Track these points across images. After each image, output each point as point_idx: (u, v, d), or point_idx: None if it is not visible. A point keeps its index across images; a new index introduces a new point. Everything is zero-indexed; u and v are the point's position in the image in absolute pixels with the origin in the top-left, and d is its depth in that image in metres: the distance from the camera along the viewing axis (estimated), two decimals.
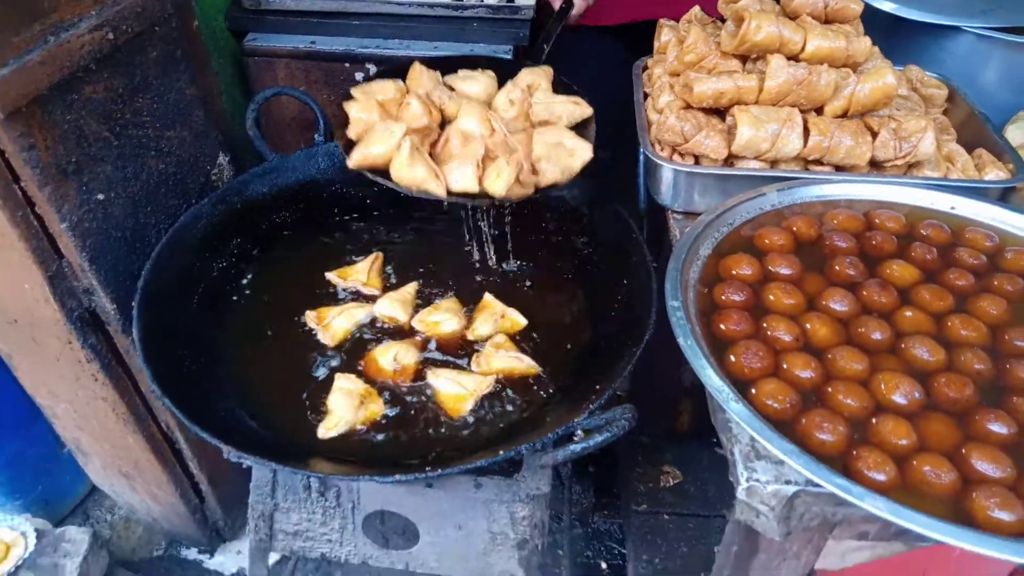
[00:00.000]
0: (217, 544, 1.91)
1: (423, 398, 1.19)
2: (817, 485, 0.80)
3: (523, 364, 1.21)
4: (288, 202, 1.55)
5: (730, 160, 1.27)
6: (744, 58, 1.31)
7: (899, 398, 0.89)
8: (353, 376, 1.19)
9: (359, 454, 1.14)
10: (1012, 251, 1.10)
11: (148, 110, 1.42)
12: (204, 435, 1.07)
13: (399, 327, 1.30)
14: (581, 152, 1.27)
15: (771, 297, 1.03)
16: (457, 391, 1.15)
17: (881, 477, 0.81)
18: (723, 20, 1.36)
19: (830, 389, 0.91)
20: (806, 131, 1.23)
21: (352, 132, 1.30)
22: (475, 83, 1.38)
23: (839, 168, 1.26)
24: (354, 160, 1.25)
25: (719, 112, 1.31)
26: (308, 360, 1.25)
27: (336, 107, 1.78)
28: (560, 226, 1.54)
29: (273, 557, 1.85)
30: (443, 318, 1.27)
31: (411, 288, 1.36)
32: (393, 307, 1.29)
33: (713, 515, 1.68)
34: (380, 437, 1.16)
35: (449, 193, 1.19)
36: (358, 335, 1.28)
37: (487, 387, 1.18)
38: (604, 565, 1.81)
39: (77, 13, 1.22)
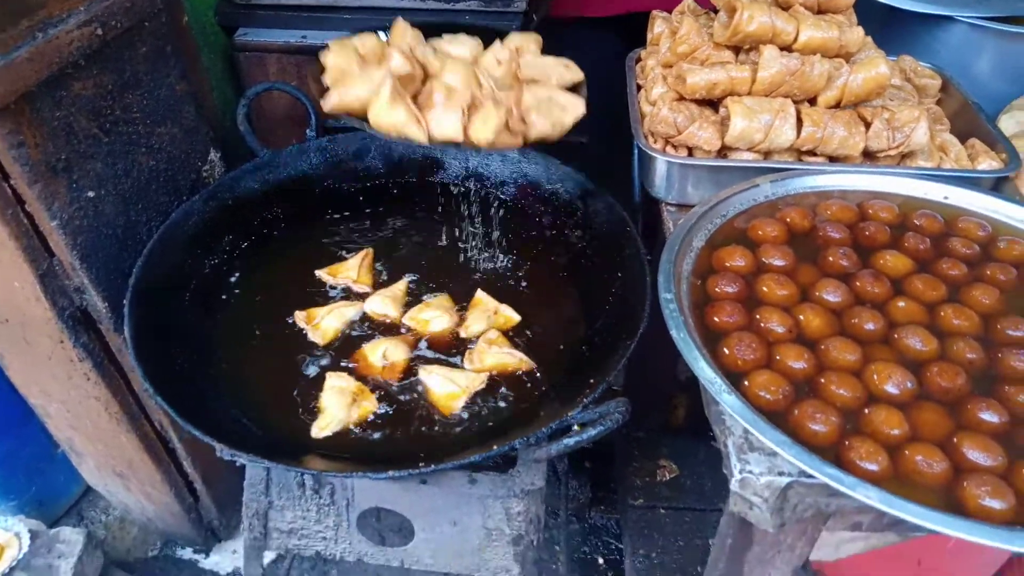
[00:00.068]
0: (212, 544, 1.90)
1: (415, 395, 1.18)
2: (810, 476, 0.80)
3: (516, 360, 1.20)
4: (280, 198, 1.54)
5: (723, 152, 1.27)
6: (737, 49, 1.30)
7: (892, 388, 0.89)
8: (345, 375, 1.19)
9: (353, 452, 1.13)
10: (1005, 240, 1.10)
11: (138, 106, 1.41)
12: (196, 433, 1.06)
13: (390, 324, 1.29)
14: (573, 108, 1.20)
15: (764, 288, 1.03)
16: (449, 389, 1.14)
17: (873, 467, 0.81)
18: (716, 11, 1.36)
19: (823, 380, 0.90)
20: (799, 122, 1.22)
21: (328, 79, 1.22)
22: (460, 45, 1.33)
23: (833, 159, 1.25)
24: (330, 103, 1.17)
25: (712, 104, 1.30)
26: (299, 359, 1.24)
27: None
28: (554, 220, 1.53)
29: (269, 556, 1.86)
30: (434, 315, 1.26)
31: (402, 285, 1.35)
32: (384, 304, 1.28)
33: (709, 509, 1.68)
34: (374, 435, 1.15)
35: (432, 141, 1.12)
36: (348, 333, 1.27)
37: (480, 384, 1.17)
38: (601, 560, 1.80)
39: (65, 9, 1.21)
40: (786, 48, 1.24)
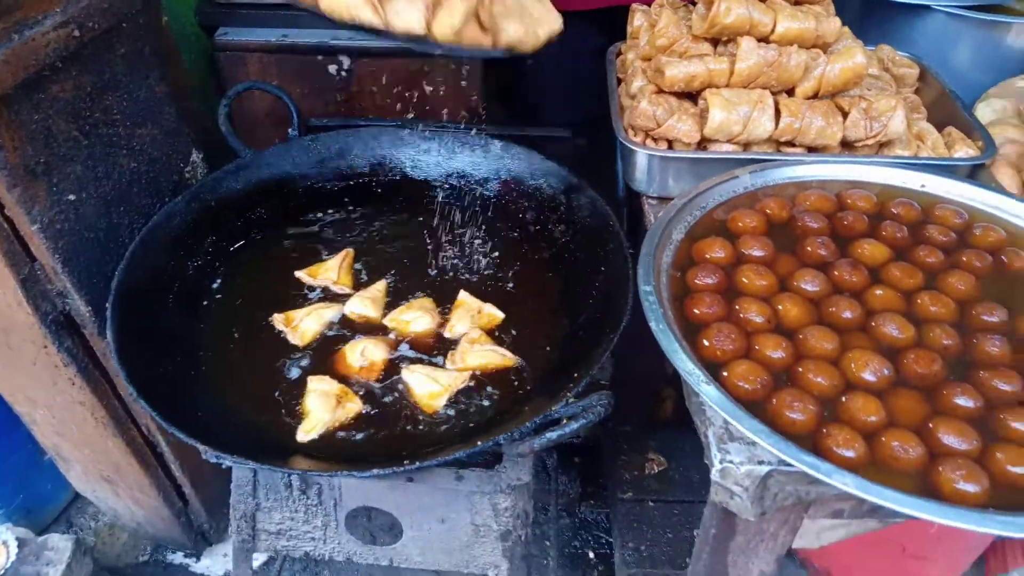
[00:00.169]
0: (203, 547, 1.90)
1: (398, 395, 1.18)
2: (789, 464, 0.80)
3: (500, 357, 1.20)
4: (262, 198, 1.54)
5: (703, 144, 1.27)
6: (716, 41, 1.31)
7: (868, 375, 0.89)
8: (327, 377, 1.18)
9: (339, 453, 1.13)
10: (980, 227, 1.11)
11: (118, 108, 1.40)
12: (180, 435, 1.06)
13: (371, 325, 1.28)
14: (548, 22, 1.15)
15: (743, 279, 1.03)
16: (431, 388, 1.14)
17: (850, 454, 0.82)
18: (695, 3, 1.36)
19: (801, 369, 0.91)
20: (777, 113, 1.23)
21: None
22: None
23: (811, 149, 1.26)
24: None
25: (692, 96, 1.31)
26: (280, 361, 1.24)
27: (310, 101, 1.78)
28: (538, 215, 1.53)
29: (261, 558, 1.85)
30: (415, 316, 1.26)
31: (380, 286, 1.34)
32: (363, 305, 1.28)
33: (697, 500, 1.69)
34: (360, 436, 1.15)
35: (390, 34, 1.04)
36: (328, 335, 1.27)
37: (462, 382, 1.17)
38: (591, 554, 1.81)
39: (42, 10, 1.20)
40: (764, 39, 1.24)
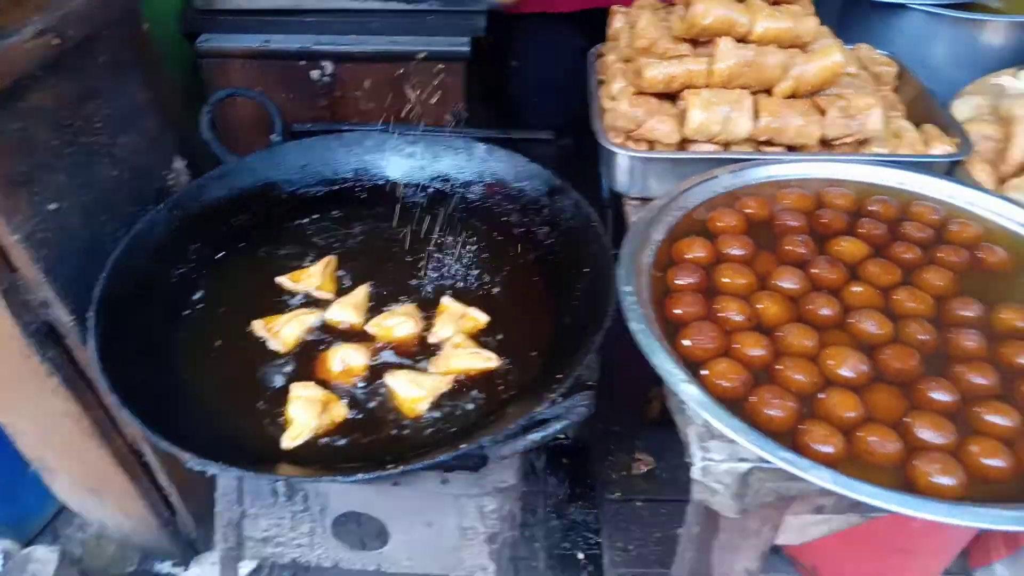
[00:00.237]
0: (191, 557, 1.89)
1: (382, 400, 1.18)
2: (768, 461, 0.81)
3: (483, 360, 1.20)
4: (246, 204, 1.53)
5: (684, 144, 1.28)
6: (695, 42, 1.31)
7: (846, 372, 0.90)
8: (311, 384, 1.18)
9: (324, 458, 1.13)
10: (957, 223, 1.12)
11: (99, 116, 1.39)
12: (163, 444, 1.05)
13: (352, 331, 1.28)
14: None
15: (723, 279, 1.04)
16: (413, 392, 1.14)
17: (829, 449, 0.82)
18: (674, 4, 1.37)
19: (780, 366, 0.92)
20: (757, 112, 1.24)
21: None
22: None
23: (791, 148, 1.27)
24: None
25: (672, 97, 1.32)
26: (262, 368, 1.24)
27: (293, 106, 1.78)
28: (522, 218, 1.53)
29: (249, 566, 1.84)
30: (398, 321, 1.25)
31: (362, 291, 1.34)
32: (345, 311, 1.28)
33: (686, 500, 1.68)
34: (345, 441, 1.15)
35: None
36: (310, 340, 1.27)
37: (446, 386, 1.17)
38: (581, 555, 1.81)
39: (20, 19, 1.20)
40: (742, 39, 1.25)
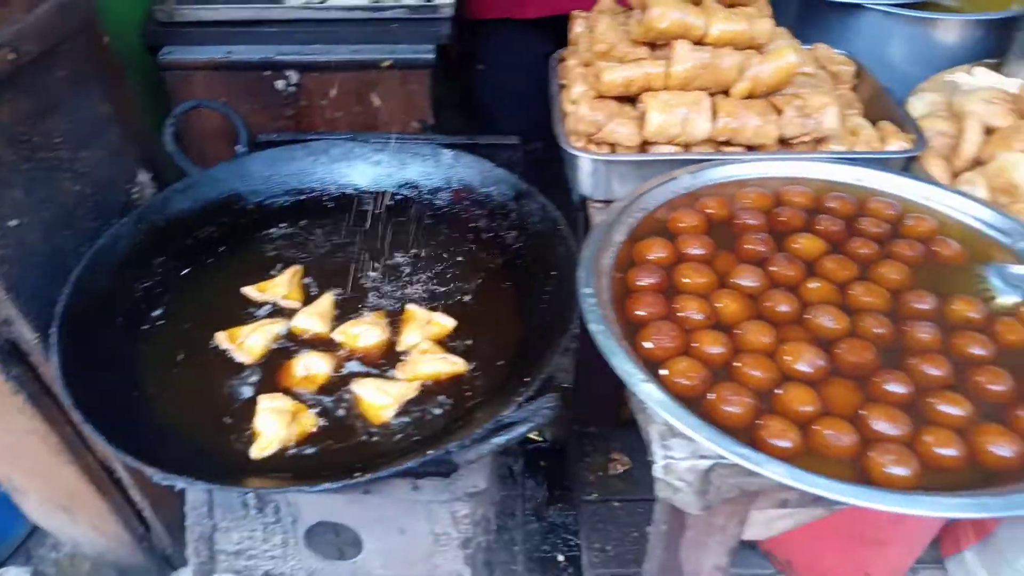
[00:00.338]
0: (167, 573, 1.86)
1: (350, 407, 1.18)
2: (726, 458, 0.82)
3: (450, 365, 1.20)
4: (212, 216, 1.52)
5: (645, 147, 1.29)
6: (653, 45, 1.33)
7: (803, 367, 0.91)
8: (279, 395, 1.18)
9: (293, 469, 1.12)
10: (912, 217, 1.14)
11: (59, 131, 1.38)
12: (128, 459, 1.05)
13: (319, 340, 1.28)
14: None
15: (683, 278, 1.05)
16: (379, 399, 1.14)
17: (786, 444, 0.83)
18: (632, 8, 1.38)
19: (738, 363, 0.93)
20: (715, 113, 1.25)
21: None
22: None
23: (750, 148, 1.29)
24: None
25: (632, 100, 1.33)
26: (228, 379, 1.23)
27: (259, 117, 1.77)
28: (490, 223, 1.54)
29: None
30: (364, 329, 1.25)
31: (327, 299, 1.33)
32: (311, 320, 1.27)
33: None
34: (314, 450, 1.14)
35: None
36: (276, 350, 1.26)
37: (412, 392, 1.17)
38: (561, 557, 1.81)
39: None
40: (699, 42, 1.27)
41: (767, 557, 1.64)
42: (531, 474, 1.97)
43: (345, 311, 1.35)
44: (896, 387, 0.88)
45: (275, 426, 1.14)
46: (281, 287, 1.35)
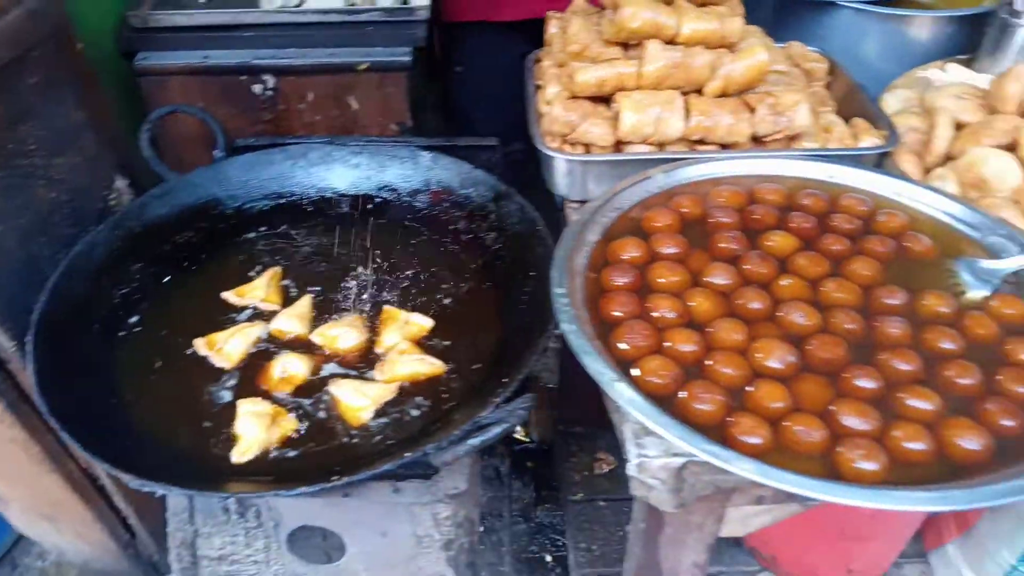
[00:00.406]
0: None
1: (328, 409, 1.18)
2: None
3: (428, 366, 1.20)
4: (190, 221, 1.51)
5: (619, 146, 1.30)
6: (626, 45, 1.33)
7: (775, 363, 0.92)
8: (259, 399, 1.17)
9: (273, 471, 1.12)
10: (884, 213, 1.15)
11: (33, 138, 1.37)
12: (105, 465, 1.04)
13: (298, 342, 1.28)
14: None
15: (657, 277, 1.06)
16: (357, 401, 1.14)
17: (757, 440, 0.84)
18: (604, 8, 1.39)
19: (710, 361, 0.93)
20: (688, 112, 1.26)
21: None
22: None
23: (724, 146, 1.29)
24: None
25: (606, 100, 1.33)
26: (207, 385, 1.22)
27: (236, 121, 1.77)
28: (469, 224, 1.54)
29: None
30: (342, 331, 1.25)
31: (306, 301, 1.33)
32: (290, 322, 1.27)
33: None
34: (295, 453, 1.14)
35: None
36: (255, 353, 1.26)
37: (390, 394, 1.17)
38: (549, 558, 1.82)
39: None
40: (670, 41, 1.27)
41: (752, 554, 1.65)
42: (518, 475, 1.97)
43: (324, 313, 1.35)
44: (866, 382, 0.89)
45: (255, 430, 1.14)
46: (260, 290, 1.35)
